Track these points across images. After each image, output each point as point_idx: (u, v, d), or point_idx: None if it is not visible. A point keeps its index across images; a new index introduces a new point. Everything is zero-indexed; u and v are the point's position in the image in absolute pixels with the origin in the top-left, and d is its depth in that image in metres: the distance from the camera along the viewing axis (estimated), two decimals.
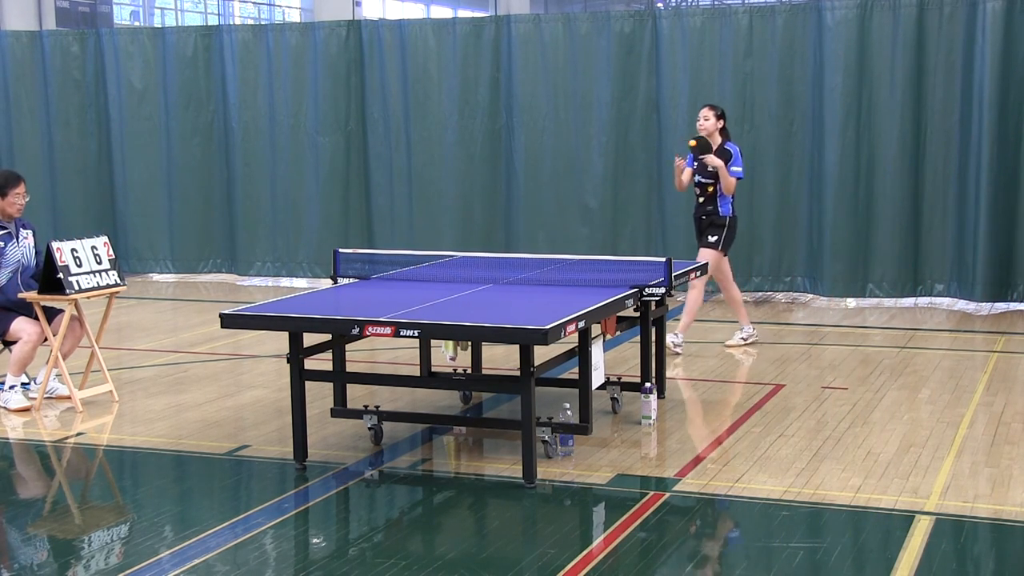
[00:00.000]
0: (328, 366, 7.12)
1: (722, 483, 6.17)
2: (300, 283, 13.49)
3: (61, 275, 7.81)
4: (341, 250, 7.86)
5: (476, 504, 6.12)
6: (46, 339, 8.00)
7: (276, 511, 5.91)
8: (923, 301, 11.55)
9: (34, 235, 8.28)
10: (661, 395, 7.82)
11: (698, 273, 8.05)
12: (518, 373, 6.13)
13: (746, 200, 12.02)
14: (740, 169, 9.42)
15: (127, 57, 14.01)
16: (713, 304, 11.93)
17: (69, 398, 8.08)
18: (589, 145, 12.50)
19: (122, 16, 28.80)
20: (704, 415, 7.49)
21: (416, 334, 6.03)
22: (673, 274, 7.07)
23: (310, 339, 6.74)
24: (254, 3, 32.59)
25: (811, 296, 11.97)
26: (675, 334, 9.38)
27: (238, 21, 31.51)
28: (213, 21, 30.52)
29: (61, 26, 22.85)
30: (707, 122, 9.37)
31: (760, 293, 12.14)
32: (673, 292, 7.18)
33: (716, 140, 9.37)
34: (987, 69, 10.94)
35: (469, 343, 8.12)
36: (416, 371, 7.80)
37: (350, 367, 7.20)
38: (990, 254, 11.09)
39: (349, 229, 13.38)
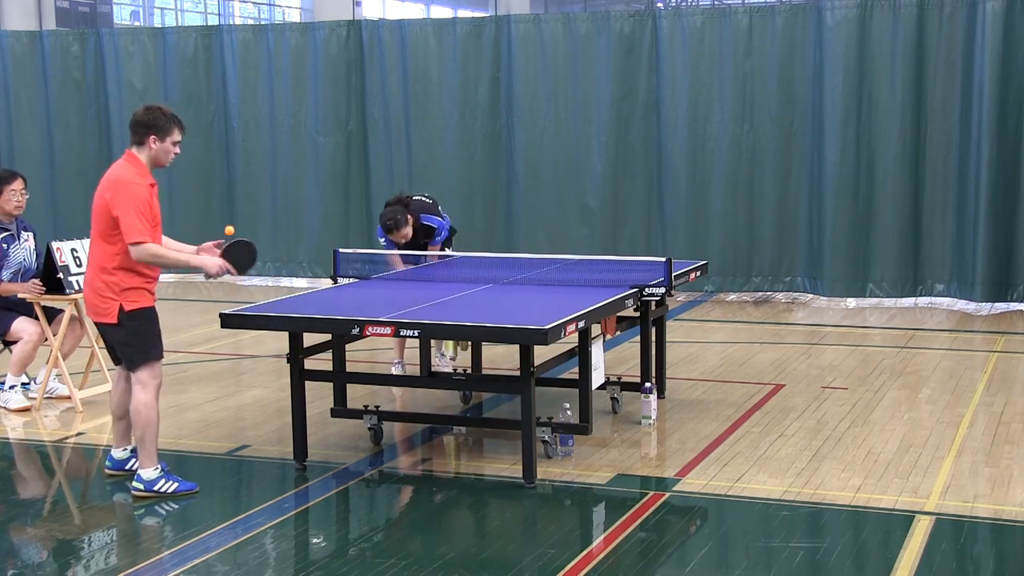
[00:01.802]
0: (328, 366, 7.12)
1: (722, 483, 6.17)
2: (300, 283, 13.49)
3: (61, 275, 7.82)
4: (341, 250, 7.86)
5: (476, 504, 6.12)
6: (46, 339, 8.00)
7: (276, 511, 5.91)
8: (923, 301, 11.53)
9: (34, 237, 8.27)
10: (661, 395, 7.82)
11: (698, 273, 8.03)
12: (518, 373, 6.14)
13: (746, 200, 12.02)
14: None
15: (127, 57, 14.00)
16: (713, 304, 11.93)
17: (69, 398, 8.07)
18: (589, 145, 12.49)
19: (122, 16, 28.77)
20: (704, 415, 7.49)
21: (416, 334, 6.03)
22: (673, 274, 7.08)
23: (310, 339, 6.74)
24: (254, 3, 32.57)
25: (811, 296, 11.96)
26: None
27: (238, 21, 31.48)
28: (213, 21, 30.49)
29: (61, 26, 22.82)
30: (405, 239, 8.26)
31: (760, 293, 12.13)
32: (673, 292, 7.19)
33: (410, 231, 8.29)
34: (987, 69, 10.92)
35: (469, 343, 8.12)
36: (416, 371, 7.80)
37: (350, 367, 7.20)
38: (990, 254, 11.08)
39: (349, 229, 13.36)
